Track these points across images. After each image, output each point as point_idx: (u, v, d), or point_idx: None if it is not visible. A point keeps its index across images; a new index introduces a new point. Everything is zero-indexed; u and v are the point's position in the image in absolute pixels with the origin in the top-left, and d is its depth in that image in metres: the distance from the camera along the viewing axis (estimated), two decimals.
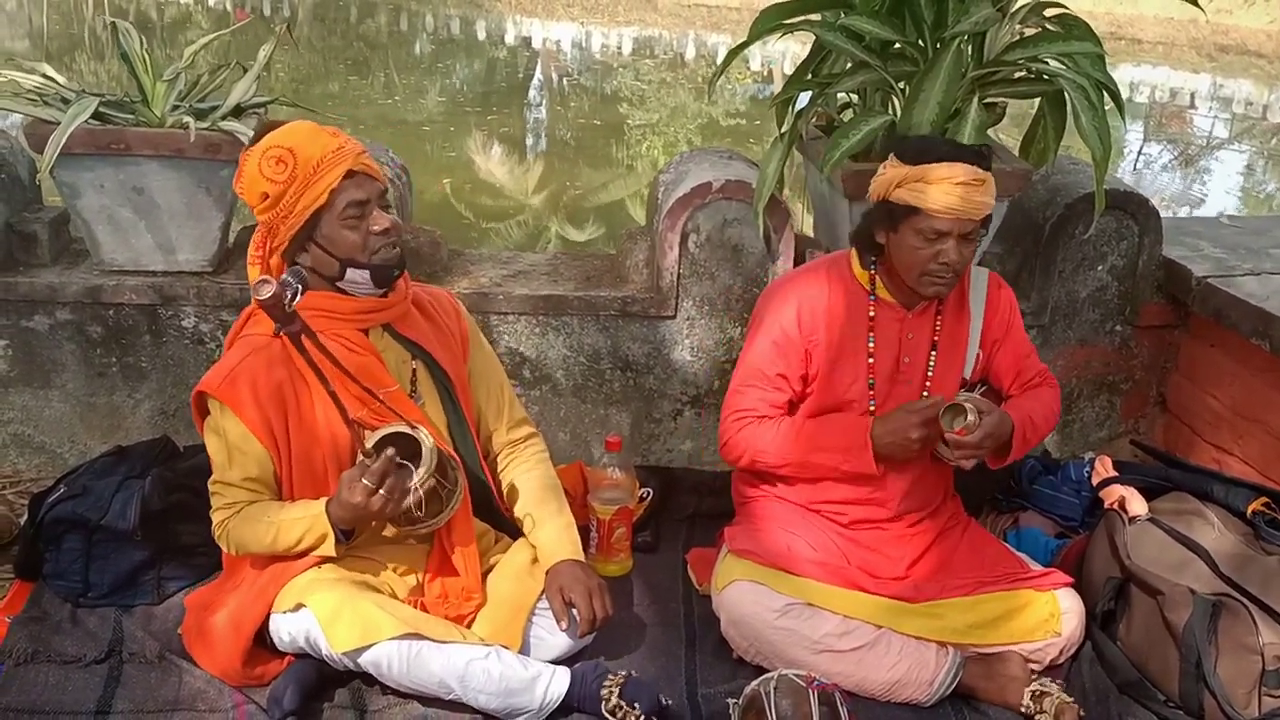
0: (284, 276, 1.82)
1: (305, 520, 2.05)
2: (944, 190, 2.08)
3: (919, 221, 2.12)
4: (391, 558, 2.20)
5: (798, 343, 2.29)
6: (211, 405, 2.07)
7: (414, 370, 2.19)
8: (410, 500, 2.01)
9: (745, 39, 2.64)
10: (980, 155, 2.16)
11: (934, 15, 2.52)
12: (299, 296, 1.81)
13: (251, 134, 2.59)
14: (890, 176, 2.15)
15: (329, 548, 2.05)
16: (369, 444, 1.97)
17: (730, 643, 2.29)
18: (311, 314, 1.95)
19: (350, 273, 2.02)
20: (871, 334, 2.29)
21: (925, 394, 2.30)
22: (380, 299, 2.09)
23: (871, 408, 2.30)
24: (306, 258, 2.02)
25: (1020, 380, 2.39)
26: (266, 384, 2.04)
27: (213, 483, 2.12)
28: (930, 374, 2.31)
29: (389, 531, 2.16)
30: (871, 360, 2.29)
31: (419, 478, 1.99)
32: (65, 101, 2.61)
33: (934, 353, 2.31)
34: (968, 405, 2.16)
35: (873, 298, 2.29)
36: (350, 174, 1.97)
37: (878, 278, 2.29)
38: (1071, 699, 2.15)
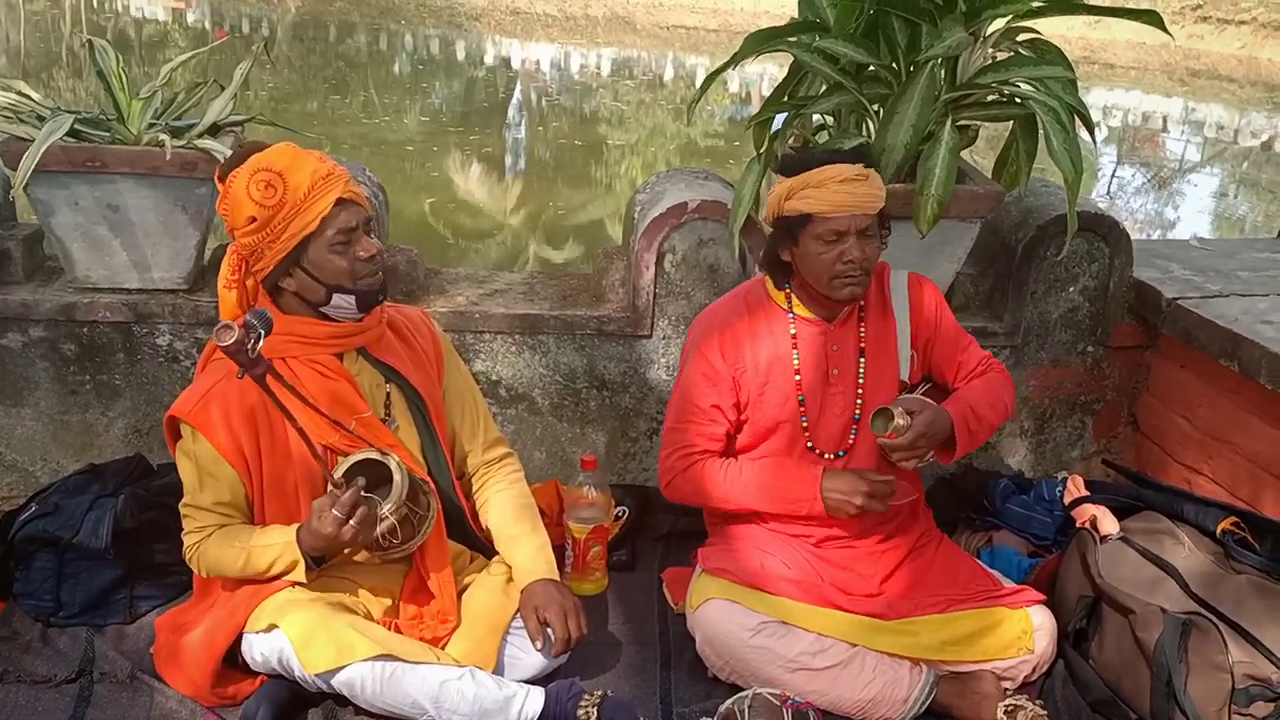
0: (247, 318, 1.77)
1: (276, 547, 2.04)
2: (830, 190, 2.13)
3: (816, 227, 2.16)
4: (366, 579, 2.19)
5: (725, 372, 2.31)
6: (184, 429, 2.06)
7: (388, 394, 2.18)
8: (382, 529, 2.00)
9: (725, 61, 2.66)
10: (859, 154, 2.21)
11: (907, 39, 2.55)
12: (262, 341, 1.77)
13: (228, 152, 2.59)
14: (778, 192, 2.20)
15: (299, 574, 2.05)
16: (338, 473, 1.96)
17: (705, 661, 2.29)
18: (287, 339, 1.95)
19: (336, 298, 2.02)
20: (795, 351, 2.31)
21: (859, 401, 2.33)
22: (355, 323, 2.09)
23: (804, 423, 2.32)
24: (291, 282, 2.01)
25: (963, 372, 2.40)
26: (239, 408, 2.03)
27: (184, 505, 2.11)
28: (861, 381, 2.33)
29: (361, 556, 2.15)
30: (798, 378, 2.31)
31: (390, 506, 1.98)
32: (41, 119, 2.60)
33: (862, 359, 2.33)
34: (895, 410, 2.18)
35: (791, 315, 2.32)
36: (339, 201, 1.97)
37: (793, 296, 2.32)
38: (1045, 712, 2.17)
